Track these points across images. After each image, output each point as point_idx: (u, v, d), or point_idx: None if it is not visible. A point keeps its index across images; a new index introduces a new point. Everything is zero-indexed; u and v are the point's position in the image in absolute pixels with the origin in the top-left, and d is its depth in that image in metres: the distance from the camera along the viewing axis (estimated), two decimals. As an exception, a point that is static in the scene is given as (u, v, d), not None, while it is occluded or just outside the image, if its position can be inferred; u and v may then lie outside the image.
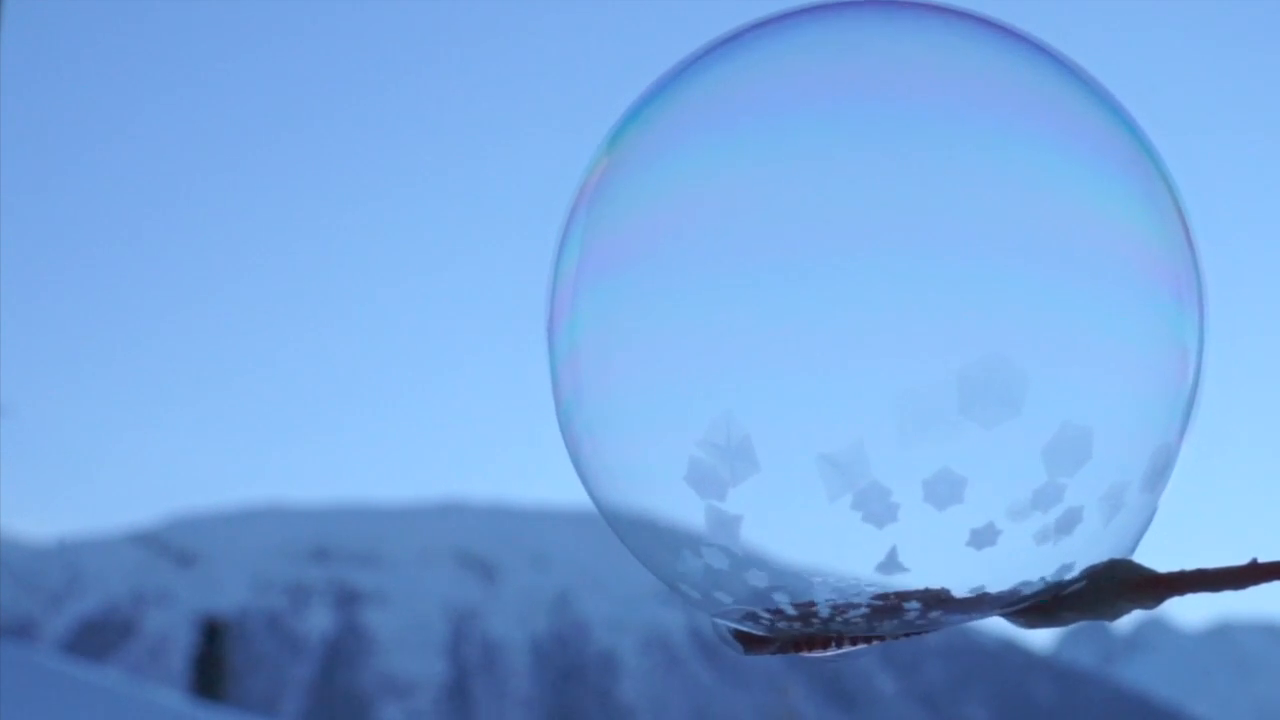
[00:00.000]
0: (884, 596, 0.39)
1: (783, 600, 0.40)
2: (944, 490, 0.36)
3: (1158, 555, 0.41)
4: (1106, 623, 0.42)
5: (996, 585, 0.39)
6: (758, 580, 0.39)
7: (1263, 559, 0.40)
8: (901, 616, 0.40)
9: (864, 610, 0.40)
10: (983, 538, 0.37)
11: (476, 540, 74.22)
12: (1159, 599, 0.41)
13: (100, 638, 63.24)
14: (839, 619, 0.40)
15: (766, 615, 0.40)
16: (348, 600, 68.50)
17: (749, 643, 0.42)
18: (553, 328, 0.41)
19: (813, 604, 0.40)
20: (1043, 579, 0.40)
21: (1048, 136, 0.39)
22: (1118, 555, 0.40)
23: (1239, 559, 0.40)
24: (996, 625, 0.42)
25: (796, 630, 0.41)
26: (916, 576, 0.38)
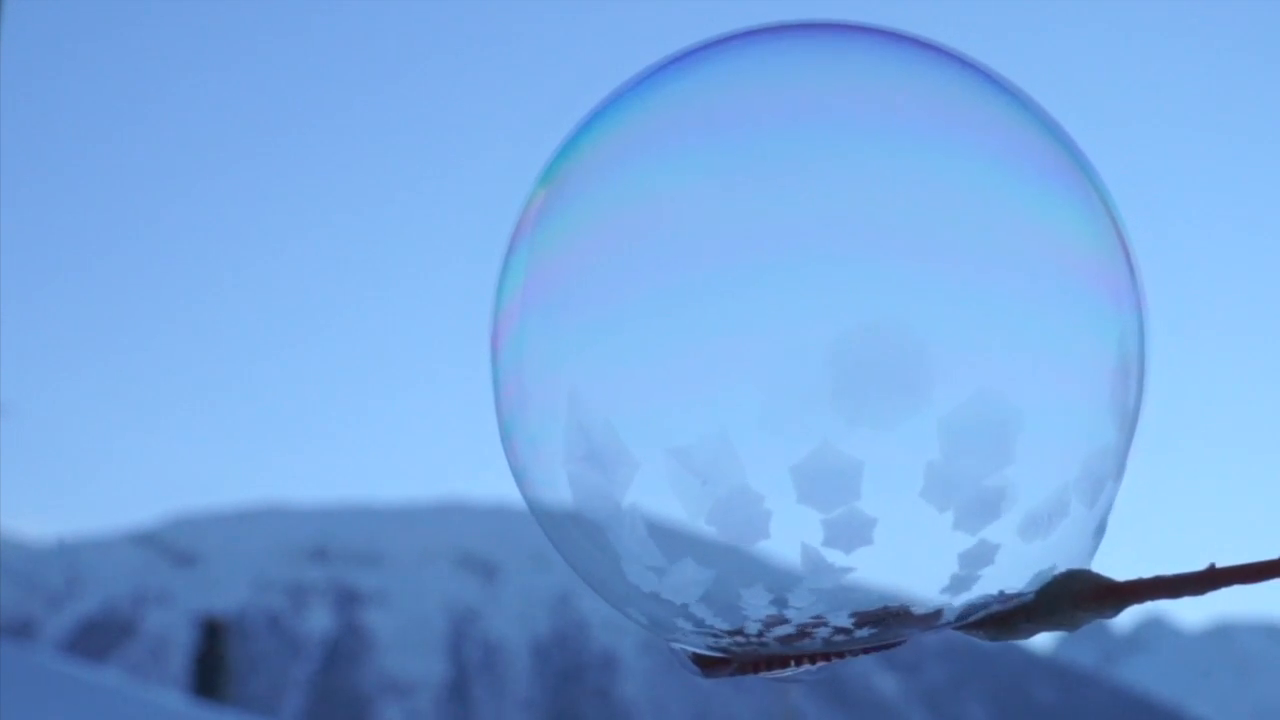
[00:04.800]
0: (858, 615, 0.38)
1: (707, 616, 0.38)
2: (829, 492, 0.35)
3: (1115, 564, 0.40)
4: (1066, 632, 0.41)
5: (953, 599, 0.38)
6: (678, 598, 0.38)
7: (1220, 564, 0.39)
8: (846, 634, 0.38)
9: (790, 629, 0.38)
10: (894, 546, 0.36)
11: (476, 540, 74.14)
12: (1118, 608, 0.40)
13: (100, 638, 63.18)
14: (767, 636, 0.38)
15: (696, 634, 0.39)
16: (348, 600, 68.44)
17: (706, 664, 0.41)
18: (496, 348, 0.42)
19: (740, 623, 0.38)
20: (999, 590, 0.39)
21: (964, 143, 0.39)
22: (1073, 565, 0.40)
23: (1197, 565, 0.40)
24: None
25: (743, 649, 0.39)
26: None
